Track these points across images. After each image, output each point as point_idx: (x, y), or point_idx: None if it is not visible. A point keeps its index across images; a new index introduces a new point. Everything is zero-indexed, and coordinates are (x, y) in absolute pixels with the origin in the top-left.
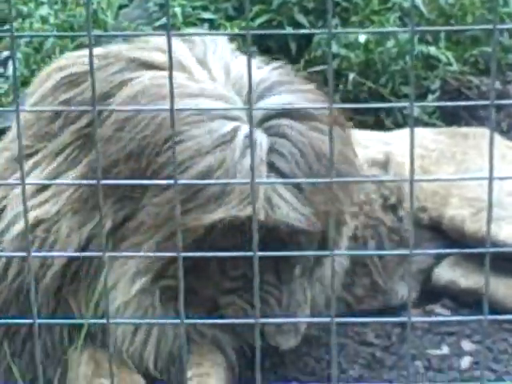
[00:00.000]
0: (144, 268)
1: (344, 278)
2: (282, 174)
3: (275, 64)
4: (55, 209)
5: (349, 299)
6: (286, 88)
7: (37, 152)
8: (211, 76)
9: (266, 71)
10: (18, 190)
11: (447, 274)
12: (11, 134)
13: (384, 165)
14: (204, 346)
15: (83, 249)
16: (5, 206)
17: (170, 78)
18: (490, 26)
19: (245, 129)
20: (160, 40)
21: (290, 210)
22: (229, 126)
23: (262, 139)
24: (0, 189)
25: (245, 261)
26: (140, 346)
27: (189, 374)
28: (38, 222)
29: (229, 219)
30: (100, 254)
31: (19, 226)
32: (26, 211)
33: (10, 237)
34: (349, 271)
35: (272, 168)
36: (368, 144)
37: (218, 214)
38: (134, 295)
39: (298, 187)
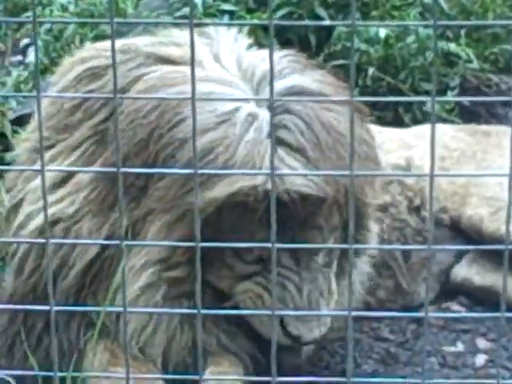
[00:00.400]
0: (150, 259)
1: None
2: (287, 145)
3: (286, 52)
4: (73, 209)
5: (371, 301)
6: (296, 71)
7: (55, 145)
8: (222, 66)
9: (275, 58)
10: (34, 184)
11: (463, 271)
12: (32, 124)
13: (405, 170)
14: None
15: (103, 249)
16: (22, 200)
17: (192, 67)
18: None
19: (247, 108)
20: (179, 34)
21: (297, 177)
22: (230, 105)
23: (264, 116)
24: (18, 181)
25: (259, 242)
26: (147, 348)
27: (207, 371)
28: (56, 221)
29: (233, 192)
30: (118, 242)
31: (37, 221)
32: (45, 200)
33: (27, 232)
34: (373, 273)
35: (277, 141)
36: (389, 149)
37: (221, 189)
38: (141, 292)
39: (305, 156)
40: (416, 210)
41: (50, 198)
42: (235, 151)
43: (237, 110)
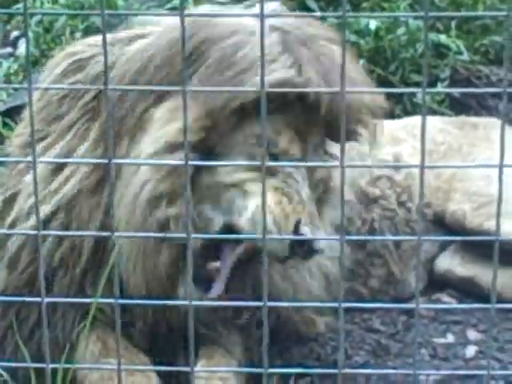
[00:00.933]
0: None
1: (356, 268)
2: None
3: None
4: (72, 191)
5: (363, 292)
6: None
7: (47, 136)
8: None
9: None
10: (28, 178)
11: (446, 263)
12: (23, 122)
13: (396, 162)
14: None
15: (102, 227)
16: (15, 194)
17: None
18: (503, 13)
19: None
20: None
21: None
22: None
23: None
24: (11, 176)
25: None
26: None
27: (198, 365)
28: (56, 211)
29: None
30: (109, 233)
31: (33, 220)
32: (36, 193)
33: (27, 226)
34: (365, 262)
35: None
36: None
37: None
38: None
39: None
40: (403, 203)
41: (50, 187)
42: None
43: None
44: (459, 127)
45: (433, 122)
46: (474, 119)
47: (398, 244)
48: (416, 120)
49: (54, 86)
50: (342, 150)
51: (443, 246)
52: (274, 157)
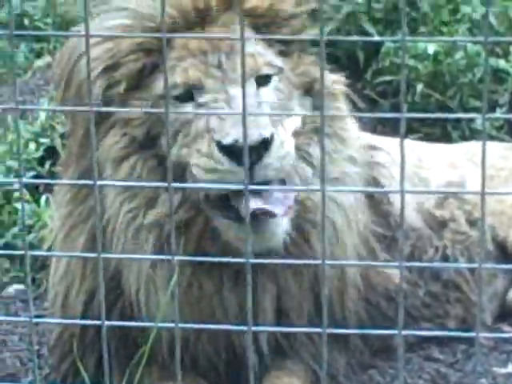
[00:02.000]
0: None
1: (433, 303)
2: None
3: None
4: None
5: (436, 331)
6: None
7: None
8: None
9: None
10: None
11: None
12: None
13: (460, 186)
14: (287, 361)
15: None
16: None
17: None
18: None
19: None
20: None
21: None
22: None
23: None
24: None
25: None
26: None
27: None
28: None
29: None
30: (169, 257)
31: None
32: (96, 206)
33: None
34: (441, 297)
35: None
36: (439, 169)
37: None
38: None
39: None
40: (474, 222)
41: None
42: None
43: None
44: None
45: (493, 147)
46: None
47: (472, 269)
48: (475, 146)
49: (115, 109)
50: (402, 177)
51: None
52: None
